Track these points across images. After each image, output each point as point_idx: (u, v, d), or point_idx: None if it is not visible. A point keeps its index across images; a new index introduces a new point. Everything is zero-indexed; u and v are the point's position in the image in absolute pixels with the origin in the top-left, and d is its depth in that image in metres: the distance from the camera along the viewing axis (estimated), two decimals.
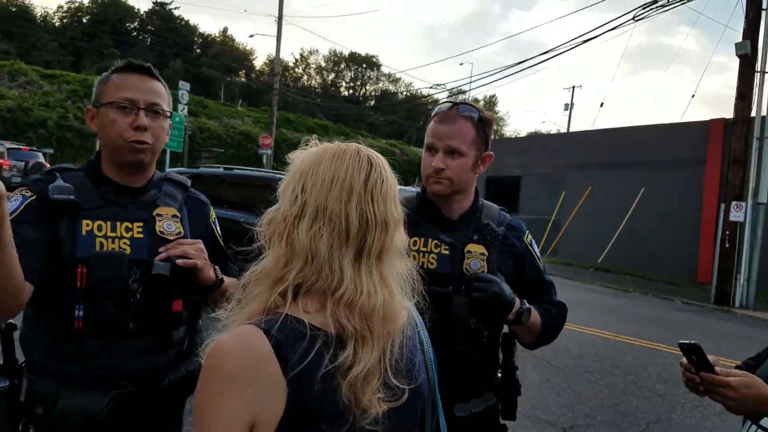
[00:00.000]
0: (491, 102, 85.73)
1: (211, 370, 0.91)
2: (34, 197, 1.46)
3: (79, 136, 35.27)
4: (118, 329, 1.43)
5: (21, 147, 19.88)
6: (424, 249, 1.68)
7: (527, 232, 1.84)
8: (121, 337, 1.45)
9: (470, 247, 1.68)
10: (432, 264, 1.67)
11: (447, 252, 1.67)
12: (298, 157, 1.03)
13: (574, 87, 42.93)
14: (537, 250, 1.85)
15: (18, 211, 1.42)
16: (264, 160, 32.77)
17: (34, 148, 21.06)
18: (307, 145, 1.07)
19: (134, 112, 1.50)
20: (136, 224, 1.50)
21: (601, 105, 42.22)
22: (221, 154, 37.37)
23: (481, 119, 1.69)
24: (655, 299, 12.62)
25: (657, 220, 16.14)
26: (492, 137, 1.80)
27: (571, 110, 42.49)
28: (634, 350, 7.15)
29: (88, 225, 1.45)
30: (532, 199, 20.47)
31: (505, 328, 1.79)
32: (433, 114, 1.74)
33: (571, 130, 33.49)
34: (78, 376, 1.42)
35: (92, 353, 1.43)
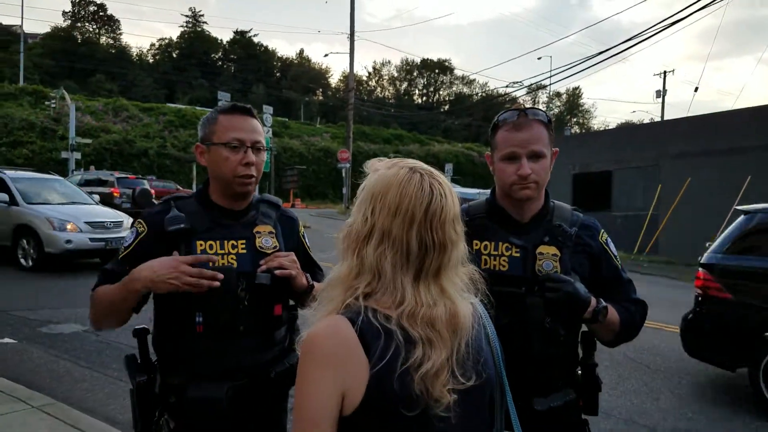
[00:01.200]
0: (575, 95, 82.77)
1: (307, 354, 1.06)
2: (145, 231, 1.73)
3: (177, 163, 37.76)
4: (231, 331, 1.67)
5: (128, 176, 21.73)
6: (495, 253, 1.72)
7: (602, 231, 1.83)
8: (233, 338, 1.68)
9: (542, 248, 1.70)
10: (504, 267, 1.70)
11: (518, 254, 1.70)
12: (371, 179, 1.15)
13: (665, 72, 40.71)
14: (613, 249, 1.83)
15: (131, 248, 1.72)
16: (343, 173, 33.56)
17: (140, 176, 22.81)
18: (381, 159, 1.20)
19: (243, 151, 1.73)
20: (240, 242, 1.74)
21: (696, 90, 39.46)
22: (304, 170, 38.65)
23: (549, 120, 1.74)
24: None
25: None
26: (569, 132, 1.80)
27: (663, 97, 40.21)
28: None
29: (201, 245, 1.69)
30: (625, 195, 19.43)
31: (585, 327, 1.79)
32: (500, 123, 1.75)
33: (665, 118, 31.71)
34: (201, 371, 1.66)
35: (211, 352, 1.66)
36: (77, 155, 30.28)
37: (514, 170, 1.69)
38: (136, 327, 1.79)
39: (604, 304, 1.67)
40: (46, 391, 4.27)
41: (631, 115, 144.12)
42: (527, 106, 1.78)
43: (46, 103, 37.19)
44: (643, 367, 5.87)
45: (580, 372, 1.80)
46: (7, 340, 5.72)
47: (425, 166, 1.16)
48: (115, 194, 19.07)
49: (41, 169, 21.72)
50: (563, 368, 1.74)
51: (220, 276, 1.63)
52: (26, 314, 6.72)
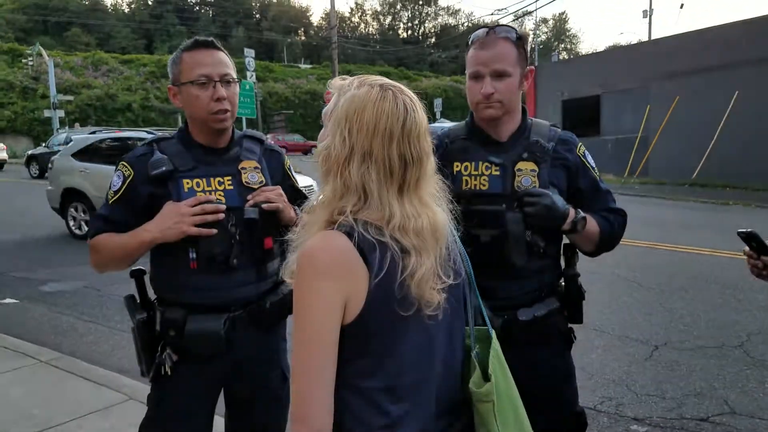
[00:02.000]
0: (561, 20, 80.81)
1: (307, 267, 1.08)
2: (132, 175, 1.74)
3: (162, 115, 37.17)
4: (225, 266, 1.72)
5: (114, 130, 21.13)
6: (476, 172, 1.76)
7: (580, 144, 1.85)
8: (227, 272, 1.73)
9: (520, 165, 1.73)
10: (484, 185, 1.74)
11: (498, 172, 1.74)
12: (341, 99, 1.14)
13: None
14: (591, 161, 1.86)
15: (120, 192, 1.75)
16: None
17: (126, 130, 22.15)
18: (344, 78, 1.20)
19: (212, 86, 1.72)
20: (226, 178, 1.76)
21: (681, 6, 38.63)
22: (291, 115, 38.08)
23: (519, 37, 1.72)
24: (761, 210, 11.78)
25: (757, 123, 14.82)
26: (529, 49, 1.79)
27: (650, 17, 39.14)
28: (733, 264, 6.71)
29: (188, 183, 1.72)
30: (614, 119, 19.30)
31: (566, 239, 1.85)
32: (470, 42, 1.76)
33: (653, 38, 31.02)
34: (198, 305, 1.72)
35: (206, 286, 1.72)
36: (60, 113, 29.76)
37: (479, 89, 1.71)
38: (133, 269, 1.83)
39: (582, 214, 1.72)
40: (52, 347, 4.37)
41: (619, 37, 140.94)
42: (502, 24, 1.77)
43: (23, 61, 36.13)
44: (635, 285, 6.01)
45: (563, 283, 1.87)
46: (8, 300, 5.79)
47: (392, 82, 1.18)
48: None
49: (28, 130, 21.36)
50: (546, 280, 1.81)
51: (223, 207, 1.68)
52: (26, 275, 6.79)
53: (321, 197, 1.16)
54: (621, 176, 17.27)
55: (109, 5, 69.35)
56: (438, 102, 33.06)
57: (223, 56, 1.77)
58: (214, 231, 1.67)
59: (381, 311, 1.09)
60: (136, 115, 36.69)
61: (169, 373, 1.73)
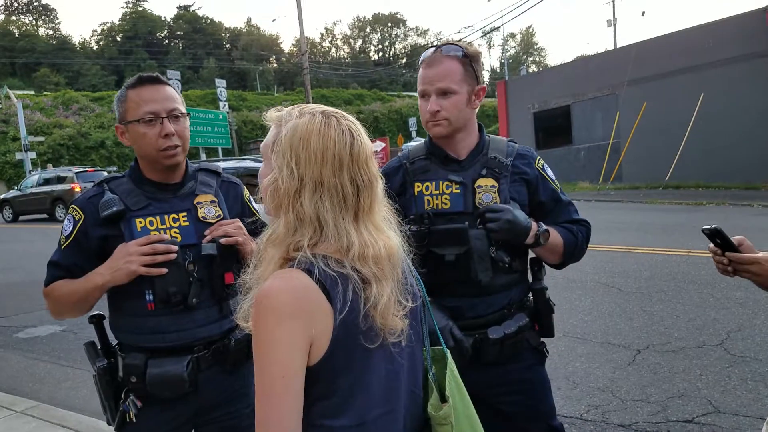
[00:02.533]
0: (528, 33, 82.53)
1: (267, 309, 1.01)
2: (82, 219, 1.69)
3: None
4: (183, 305, 1.66)
5: (87, 169, 21.06)
6: (437, 192, 1.76)
7: (538, 157, 1.87)
8: (187, 312, 1.68)
9: (480, 181, 1.74)
10: (446, 204, 1.74)
11: (459, 190, 1.74)
12: (283, 130, 1.11)
13: (613, 0, 40.73)
14: (551, 173, 1.88)
15: (72, 237, 1.70)
16: None
17: (99, 168, 22.27)
18: (280, 110, 1.16)
19: (159, 122, 1.68)
20: (181, 214, 1.71)
21: (643, 14, 39.87)
22: None
23: (466, 55, 1.72)
24: (732, 208, 12.01)
25: (724, 123, 15.15)
26: (481, 67, 1.81)
27: (614, 25, 40.35)
28: (709, 264, 6.74)
29: (140, 222, 1.67)
30: (585, 127, 19.59)
31: (532, 253, 1.85)
32: (419, 62, 1.78)
33: (618, 45, 31.75)
34: (159, 348, 1.67)
35: (166, 328, 1.67)
36: (32, 155, 29.33)
37: (426, 107, 1.74)
38: (91, 314, 1.78)
39: (544, 227, 1.73)
40: (29, 395, 4.25)
41: (586, 47, 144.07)
42: (450, 42, 1.78)
43: None
44: (615, 291, 6.06)
45: (531, 297, 1.86)
46: None
47: (333, 109, 1.17)
48: (77, 190, 18.43)
49: (0, 174, 21.18)
50: (514, 295, 1.80)
51: (175, 248, 1.62)
52: (0, 322, 6.62)
53: (273, 233, 1.12)
54: (596, 183, 17.49)
55: (77, 43, 69.11)
56: (413, 121, 33.37)
57: (171, 91, 1.73)
58: (164, 270, 1.61)
59: (347, 347, 1.06)
60: (110, 152, 36.32)
61: (134, 420, 1.67)
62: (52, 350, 5.48)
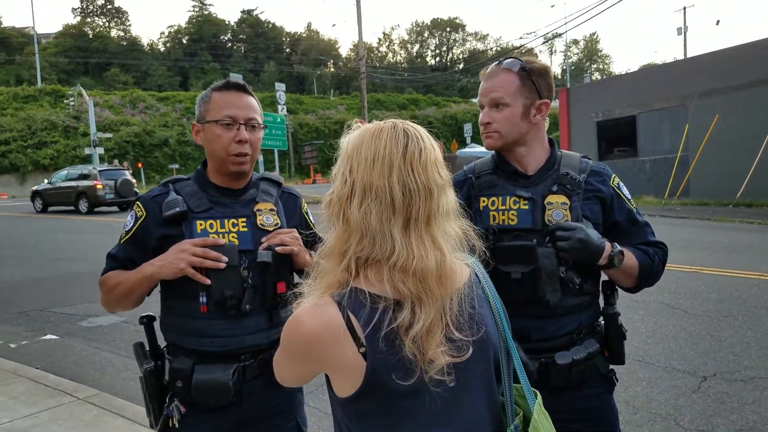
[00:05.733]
0: (592, 40, 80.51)
1: (286, 336, 1.09)
2: (144, 216, 1.72)
3: (198, 149, 38.09)
4: (237, 311, 1.65)
5: (109, 168, 22.68)
6: (503, 207, 1.70)
7: (614, 175, 1.79)
8: (238, 318, 1.67)
9: (550, 198, 1.68)
10: (512, 220, 1.69)
11: (527, 207, 1.68)
12: (344, 142, 1.11)
13: (685, 8, 39.19)
14: (626, 192, 1.79)
15: (131, 232, 1.73)
16: None
17: (121, 167, 23.67)
18: (350, 128, 1.14)
19: (236, 128, 1.71)
20: (240, 220, 1.72)
21: (717, 23, 38.08)
22: (322, 145, 38.61)
23: (524, 68, 1.69)
24: None
25: None
26: (545, 81, 1.74)
27: (685, 34, 38.75)
28: None
29: (201, 224, 1.68)
30: (651, 139, 18.89)
31: (605, 276, 1.76)
32: (480, 75, 1.78)
33: (688, 55, 30.52)
34: (207, 353, 1.66)
35: (217, 333, 1.66)
36: (100, 150, 30.79)
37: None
38: (142, 315, 1.79)
39: (619, 248, 1.65)
40: (91, 383, 4.41)
41: (654, 55, 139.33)
42: (514, 57, 1.75)
43: (65, 101, 37.77)
44: (680, 312, 5.77)
45: (602, 322, 1.77)
46: (49, 336, 5.90)
47: (398, 119, 1.12)
48: (98, 187, 20.02)
49: (70, 166, 23.41)
50: (584, 319, 1.72)
51: (225, 259, 1.62)
52: (65, 310, 6.91)
53: (325, 244, 1.11)
54: (661, 198, 16.83)
55: (145, 45, 72.18)
56: (468, 127, 33.12)
57: (253, 101, 1.77)
58: (208, 281, 1.61)
59: (377, 384, 1.01)
60: (173, 150, 37.76)
61: (177, 426, 1.67)
62: (113, 340, 5.68)
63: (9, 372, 4.53)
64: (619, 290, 1.82)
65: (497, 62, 1.74)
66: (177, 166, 33.78)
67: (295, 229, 1.77)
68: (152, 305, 1.85)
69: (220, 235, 1.68)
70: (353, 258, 1.04)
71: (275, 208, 1.79)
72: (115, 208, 20.65)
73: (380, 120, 1.14)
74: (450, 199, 1.09)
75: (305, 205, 1.96)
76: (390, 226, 1.02)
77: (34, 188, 22.89)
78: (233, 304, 1.64)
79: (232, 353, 1.67)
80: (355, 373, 1.01)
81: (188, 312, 1.66)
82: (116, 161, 30.42)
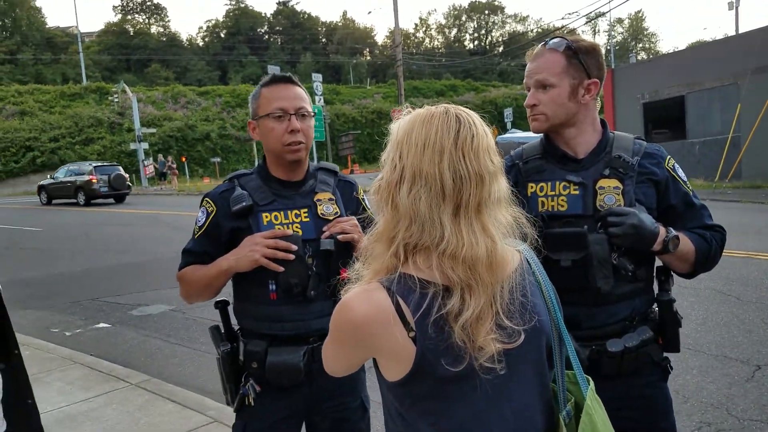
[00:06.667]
0: (638, 18, 77.85)
1: (335, 322, 1.09)
2: (215, 211, 1.82)
3: (239, 143, 38.77)
4: (302, 297, 1.74)
5: (104, 164, 24.54)
6: (552, 193, 1.66)
7: (669, 157, 1.72)
8: (305, 303, 1.76)
9: (602, 182, 1.63)
10: (562, 206, 1.64)
11: (577, 192, 1.64)
12: (394, 128, 1.10)
13: None
14: (682, 174, 1.73)
15: (205, 227, 1.83)
16: None
17: (114, 163, 25.60)
18: (400, 114, 1.13)
19: (287, 119, 1.79)
20: (302, 210, 1.81)
21: None
22: (359, 135, 38.68)
23: (570, 47, 1.64)
24: None
25: None
26: (594, 60, 1.67)
27: (737, 8, 36.93)
28: None
29: (266, 217, 1.78)
30: (701, 119, 18.14)
31: (659, 261, 1.70)
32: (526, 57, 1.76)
33: (740, 31, 29.18)
34: (278, 336, 1.77)
35: (286, 318, 1.77)
36: (145, 145, 31.67)
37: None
38: (217, 300, 1.90)
39: (674, 233, 1.59)
40: (141, 369, 4.57)
41: (703, 32, 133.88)
42: (560, 35, 1.71)
43: (110, 98, 38.87)
44: (732, 299, 5.57)
45: (656, 308, 1.72)
46: (102, 324, 6.14)
47: (450, 104, 1.11)
48: (93, 181, 22.11)
49: (117, 162, 25.03)
50: (637, 306, 1.67)
51: (294, 247, 1.71)
52: (116, 300, 7.16)
53: (374, 229, 1.11)
54: (711, 181, 16.19)
55: (184, 40, 73.60)
56: (508, 111, 32.50)
57: (300, 91, 1.84)
58: (281, 268, 1.70)
59: (426, 368, 1.01)
60: (215, 144, 38.45)
61: (253, 404, 1.77)
62: (162, 328, 5.86)
63: (66, 359, 4.74)
64: (674, 276, 1.76)
65: (543, 43, 1.70)
66: (219, 159, 34.39)
67: (354, 217, 1.84)
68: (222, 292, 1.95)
69: (285, 226, 1.77)
70: (401, 244, 1.04)
71: (334, 197, 1.87)
72: (111, 200, 22.71)
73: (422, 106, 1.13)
74: (502, 186, 1.08)
75: (362, 191, 2.03)
76: (439, 213, 1.01)
77: (40, 183, 24.96)
78: (299, 291, 1.73)
79: (301, 336, 1.76)
80: (405, 357, 1.01)
81: (260, 299, 1.77)
82: (160, 156, 31.20)
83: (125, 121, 37.02)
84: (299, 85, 1.86)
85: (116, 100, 37.65)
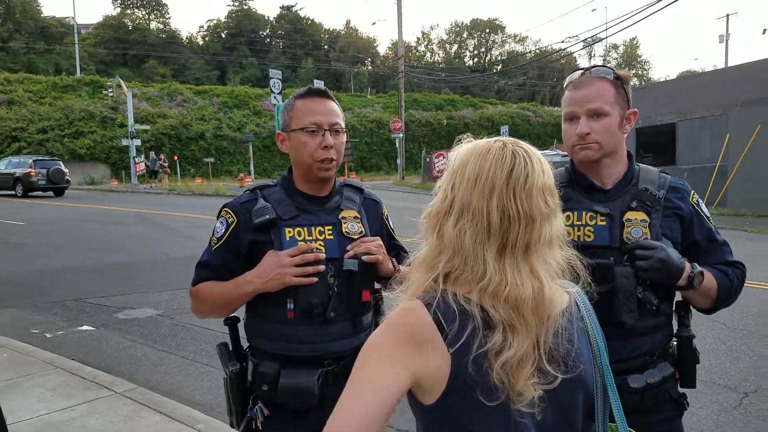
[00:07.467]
0: (632, 46, 78.92)
1: (377, 335, 1.02)
2: (235, 222, 1.74)
3: (233, 144, 38.55)
4: (322, 317, 1.68)
5: (44, 158, 25.59)
6: (579, 223, 1.65)
7: (693, 192, 1.73)
8: (324, 324, 1.69)
9: (629, 214, 1.62)
10: (589, 237, 1.63)
11: (604, 223, 1.62)
12: (452, 157, 1.09)
13: (728, 15, 38.13)
14: (705, 210, 1.73)
15: (224, 239, 1.75)
16: (397, 144, 33.19)
17: (54, 158, 26.55)
18: (461, 141, 1.11)
19: (321, 134, 1.73)
20: (327, 228, 1.75)
21: (764, 32, 36.82)
22: (357, 143, 38.65)
23: (618, 77, 1.65)
24: None
25: None
26: (630, 91, 1.71)
27: (727, 42, 37.67)
28: None
29: (289, 232, 1.71)
30: (691, 147, 18.43)
31: (679, 296, 1.70)
32: (565, 85, 1.72)
33: (730, 64, 29.64)
34: (293, 357, 1.69)
35: (302, 339, 1.69)
36: (137, 142, 31.37)
37: (574, 130, 1.64)
38: (227, 316, 1.83)
39: (699, 269, 1.59)
40: (127, 376, 4.47)
41: (694, 62, 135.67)
42: (598, 65, 1.70)
43: (104, 92, 38.47)
44: (719, 325, 5.63)
45: (675, 343, 1.71)
46: (85, 327, 5.99)
47: (511, 138, 1.08)
48: (32, 174, 23.21)
49: (106, 158, 24.71)
50: (658, 341, 1.66)
51: (323, 257, 1.67)
52: (101, 301, 7.01)
53: (417, 255, 1.09)
54: None
55: (184, 38, 73.33)
56: (504, 129, 32.76)
57: (335, 106, 1.79)
58: (315, 280, 1.65)
59: (460, 390, 0.97)
60: (209, 144, 38.20)
61: (261, 428, 1.70)
62: (149, 333, 5.74)
63: (47, 363, 4.59)
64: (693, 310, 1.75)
65: (584, 70, 1.68)
66: (212, 159, 34.22)
67: (379, 238, 1.79)
68: None
69: (308, 243, 1.70)
70: (442, 273, 1.02)
71: (359, 216, 1.81)
72: (50, 193, 23.90)
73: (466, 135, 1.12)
74: (555, 227, 1.04)
75: (386, 210, 1.98)
76: (483, 249, 1.00)
77: None
78: (319, 311, 1.67)
79: (317, 358, 1.70)
80: (442, 375, 0.98)
81: (276, 318, 1.70)
82: (152, 153, 30.97)
83: (118, 116, 36.67)
84: (334, 100, 1.81)
85: (110, 94, 37.28)
